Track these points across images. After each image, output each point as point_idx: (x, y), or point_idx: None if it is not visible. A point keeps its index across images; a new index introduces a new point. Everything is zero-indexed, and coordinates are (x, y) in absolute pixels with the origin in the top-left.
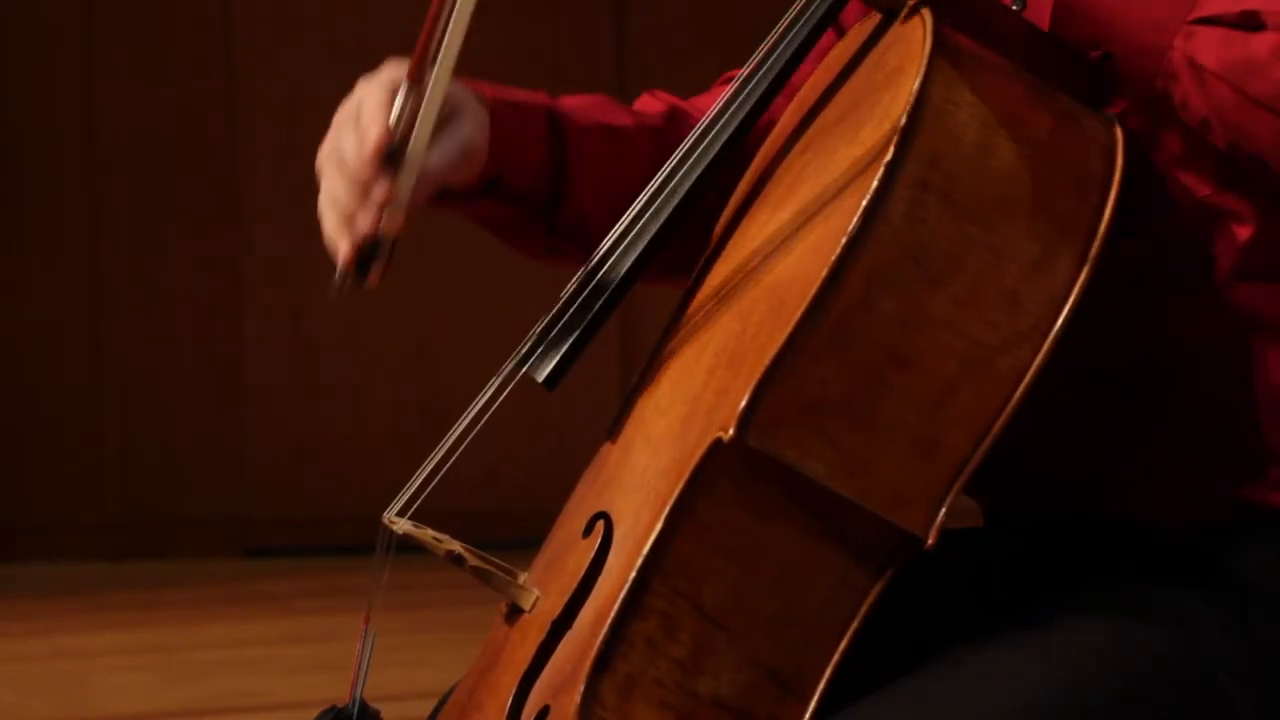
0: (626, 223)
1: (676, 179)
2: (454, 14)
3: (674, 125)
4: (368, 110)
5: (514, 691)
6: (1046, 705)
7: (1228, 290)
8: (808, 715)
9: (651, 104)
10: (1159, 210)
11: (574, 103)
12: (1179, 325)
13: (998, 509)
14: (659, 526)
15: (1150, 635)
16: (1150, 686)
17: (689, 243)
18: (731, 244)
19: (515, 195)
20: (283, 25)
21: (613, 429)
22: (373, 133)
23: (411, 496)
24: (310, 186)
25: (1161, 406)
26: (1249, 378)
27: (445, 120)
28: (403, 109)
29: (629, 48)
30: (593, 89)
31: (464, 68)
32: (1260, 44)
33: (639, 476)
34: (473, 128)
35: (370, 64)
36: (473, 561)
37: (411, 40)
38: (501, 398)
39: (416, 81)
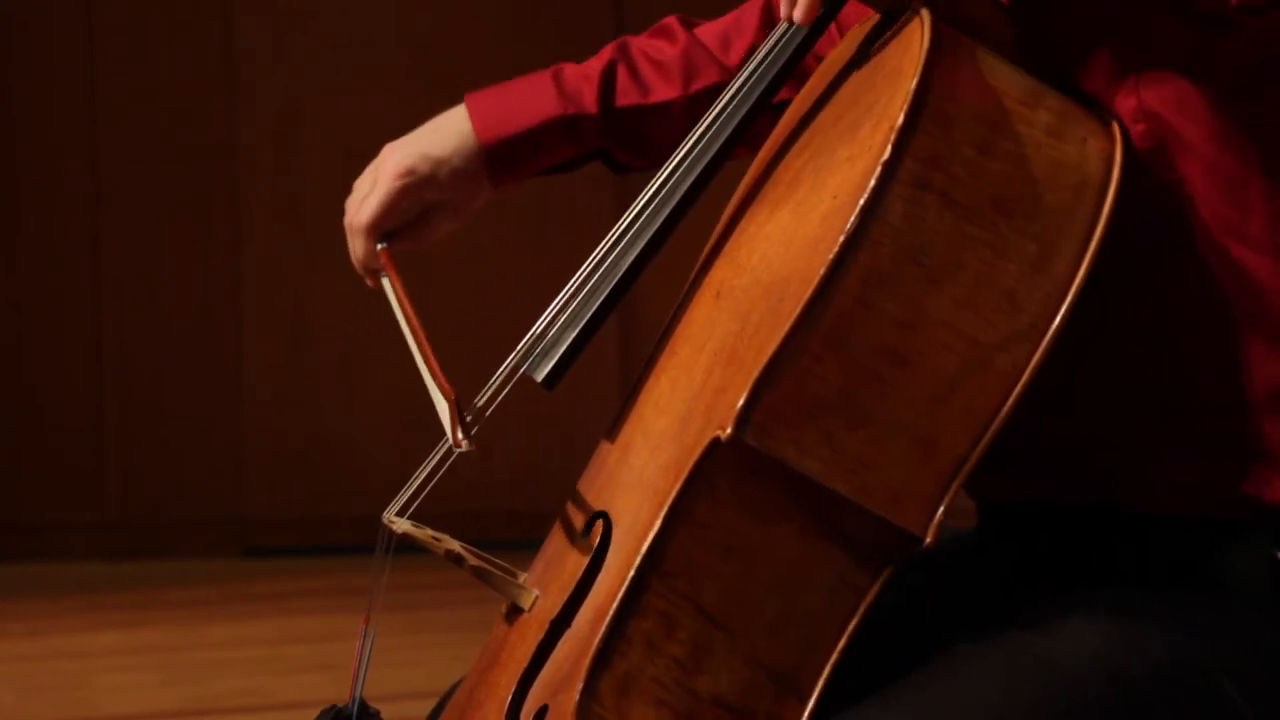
0: (626, 222)
1: (674, 180)
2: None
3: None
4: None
5: (513, 690)
6: (1043, 709)
7: (1219, 265)
8: (806, 714)
9: (667, 49)
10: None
11: (601, 90)
12: (1171, 297)
13: (991, 499)
14: (658, 525)
15: (1149, 640)
16: (1149, 692)
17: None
18: (731, 242)
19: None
20: (283, 25)
21: (612, 428)
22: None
23: (411, 496)
24: (310, 187)
25: (1153, 385)
26: (1242, 361)
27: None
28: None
29: None
30: None
31: (465, 66)
32: None
33: (638, 475)
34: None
35: (370, 64)
36: (472, 561)
37: (411, 40)
38: (500, 397)
39: None
